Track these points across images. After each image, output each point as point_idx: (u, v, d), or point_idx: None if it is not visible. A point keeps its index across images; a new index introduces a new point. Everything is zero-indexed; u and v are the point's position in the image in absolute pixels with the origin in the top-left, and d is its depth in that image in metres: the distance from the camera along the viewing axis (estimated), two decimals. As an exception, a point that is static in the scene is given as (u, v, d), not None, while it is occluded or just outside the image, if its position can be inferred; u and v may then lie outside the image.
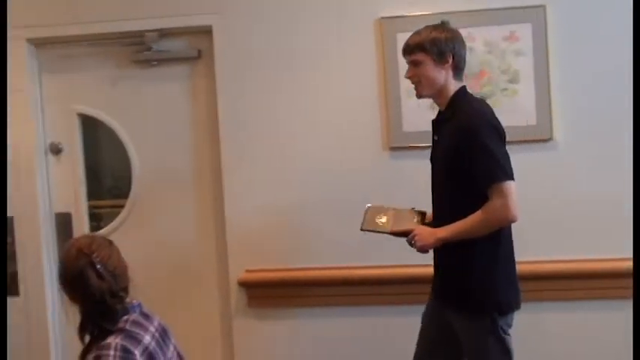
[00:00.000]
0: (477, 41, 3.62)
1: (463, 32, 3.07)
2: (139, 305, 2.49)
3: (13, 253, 4.06)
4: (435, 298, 3.11)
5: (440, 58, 2.96)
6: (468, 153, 2.85)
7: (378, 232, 3.11)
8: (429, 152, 3.12)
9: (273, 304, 3.88)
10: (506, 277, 2.96)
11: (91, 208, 4.19)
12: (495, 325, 2.89)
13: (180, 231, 4.02)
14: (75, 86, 4.05)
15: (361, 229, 3.12)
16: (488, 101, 3.24)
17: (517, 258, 3.00)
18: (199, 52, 3.94)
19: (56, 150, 4.07)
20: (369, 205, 3.18)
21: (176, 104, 3.99)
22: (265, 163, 3.83)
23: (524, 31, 3.60)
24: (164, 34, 3.90)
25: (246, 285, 3.87)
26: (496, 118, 2.93)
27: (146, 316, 2.49)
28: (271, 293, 3.87)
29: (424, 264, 3.14)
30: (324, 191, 3.77)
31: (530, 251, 3.49)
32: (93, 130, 4.15)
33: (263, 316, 3.89)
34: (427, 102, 3.31)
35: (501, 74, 3.62)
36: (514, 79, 3.62)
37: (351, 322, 3.80)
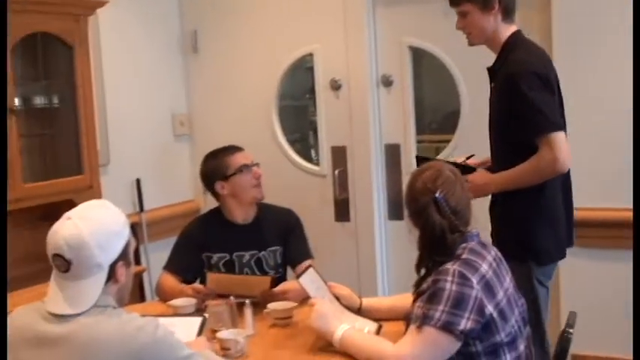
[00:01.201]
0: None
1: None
2: (477, 234, 2.34)
3: (345, 180, 4.08)
4: None
5: (485, 5, 2.81)
6: (509, 105, 2.75)
7: None
8: None
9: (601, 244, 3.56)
10: (548, 227, 2.81)
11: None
12: (531, 274, 2.77)
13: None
14: (407, 19, 3.98)
15: None
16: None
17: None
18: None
19: (387, 82, 4.02)
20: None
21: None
22: (602, 105, 3.49)
23: None
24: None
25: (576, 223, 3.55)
26: (543, 65, 2.79)
27: (483, 245, 2.36)
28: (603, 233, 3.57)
29: None
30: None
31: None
32: (421, 63, 4.02)
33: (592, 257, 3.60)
34: None
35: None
36: None
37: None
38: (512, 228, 2.68)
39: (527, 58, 2.80)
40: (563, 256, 2.90)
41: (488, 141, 2.93)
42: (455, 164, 2.80)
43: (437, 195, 2.28)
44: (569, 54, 3.55)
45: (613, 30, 3.48)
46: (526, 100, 2.71)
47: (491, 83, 2.94)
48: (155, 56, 4.23)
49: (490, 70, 2.94)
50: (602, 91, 3.55)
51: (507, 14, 2.84)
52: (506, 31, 2.85)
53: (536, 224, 2.82)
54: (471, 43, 2.97)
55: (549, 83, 2.78)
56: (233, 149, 3.18)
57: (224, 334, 2.43)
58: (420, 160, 3.03)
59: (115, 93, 3.89)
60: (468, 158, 3.05)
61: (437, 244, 2.26)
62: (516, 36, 2.86)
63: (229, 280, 2.91)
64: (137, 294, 3.67)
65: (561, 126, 2.75)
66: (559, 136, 2.72)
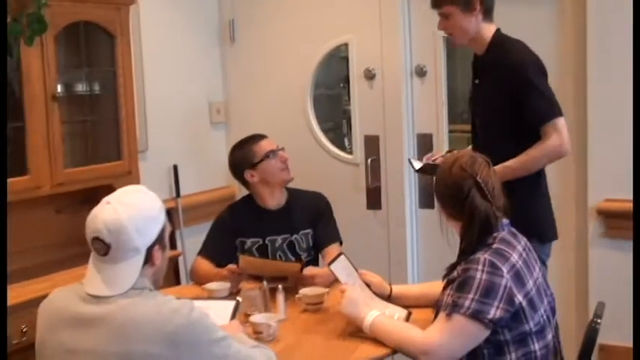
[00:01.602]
0: None
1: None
2: (508, 224, 2.32)
3: (377, 169, 4.07)
4: None
5: (467, 6, 2.84)
6: (516, 91, 2.79)
7: None
8: None
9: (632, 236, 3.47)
10: (547, 207, 2.98)
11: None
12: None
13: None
14: (441, 10, 3.87)
15: None
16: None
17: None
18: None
19: (421, 72, 4.00)
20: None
21: (541, 30, 3.67)
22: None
23: None
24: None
25: (604, 214, 3.51)
26: (537, 56, 2.86)
27: (514, 235, 2.34)
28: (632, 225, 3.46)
29: None
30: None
31: None
32: (454, 53, 3.98)
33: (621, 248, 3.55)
34: None
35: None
36: None
37: None
38: (516, 209, 2.66)
39: (526, 50, 2.87)
40: (557, 235, 3.00)
41: (473, 131, 3.02)
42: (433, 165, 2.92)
43: (478, 178, 2.26)
44: (601, 47, 3.50)
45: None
46: (534, 87, 2.79)
47: (475, 78, 2.99)
48: (193, 46, 4.24)
49: (478, 65, 2.98)
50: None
51: (488, 14, 2.92)
52: (489, 29, 2.91)
53: (539, 205, 2.94)
54: (453, 44, 3.05)
55: (546, 72, 2.88)
56: (258, 137, 3.20)
57: (257, 318, 2.44)
58: (410, 162, 3.17)
59: (154, 81, 3.91)
60: (449, 152, 3.07)
61: (483, 229, 2.24)
62: (500, 33, 2.93)
63: (261, 264, 2.93)
64: (172, 277, 3.69)
65: (562, 112, 2.84)
66: (562, 121, 2.82)
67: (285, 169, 3.15)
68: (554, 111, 2.82)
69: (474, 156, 2.34)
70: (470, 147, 3.16)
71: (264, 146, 3.15)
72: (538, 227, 2.86)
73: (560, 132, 2.80)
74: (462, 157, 2.35)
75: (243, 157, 3.15)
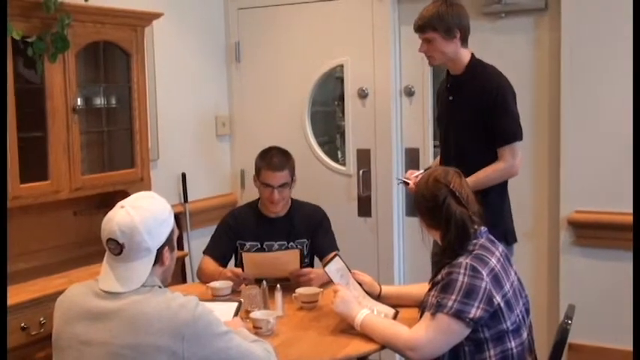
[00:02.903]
0: None
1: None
2: (486, 231, 2.32)
3: (368, 180, 4.06)
4: None
5: (448, 34, 2.88)
6: (492, 111, 2.84)
7: None
8: None
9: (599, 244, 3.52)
10: (510, 213, 3.02)
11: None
12: None
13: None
14: (428, 36, 3.87)
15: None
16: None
17: None
18: (546, 3, 3.56)
19: (409, 92, 3.99)
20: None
21: (519, 56, 3.67)
22: (604, 116, 3.43)
23: None
24: (514, -13, 3.64)
25: (574, 224, 3.51)
26: (509, 81, 2.92)
27: (492, 242, 2.34)
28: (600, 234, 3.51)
29: None
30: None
31: None
32: (440, 76, 3.96)
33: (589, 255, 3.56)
34: None
35: None
36: None
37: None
38: (487, 214, 2.66)
39: (500, 74, 2.93)
40: (517, 239, 3.03)
41: (446, 144, 3.04)
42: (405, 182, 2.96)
43: (452, 187, 2.26)
44: (576, 62, 3.50)
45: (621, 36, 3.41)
46: (505, 110, 2.86)
47: (449, 95, 3.01)
48: (201, 64, 4.23)
49: (452, 84, 3.00)
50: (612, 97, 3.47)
51: (464, 40, 2.95)
52: (466, 53, 2.97)
53: (505, 210, 2.99)
54: (431, 64, 3.08)
55: (516, 95, 2.93)
56: (272, 166, 3.08)
57: (256, 314, 2.43)
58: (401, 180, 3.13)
59: (165, 96, 3.90)
60: (426, 170, 3.05)
61: (461, 235, 2.23)
62: (475, 57, 2.98)
63: (262, 258, 2.91)
64: (179, 276, 3.67)
65: (523, 136, 2.91)
66: (519, 145, 2.90)
67: (272, 204, 3.07)
68: (516, 135, 2.89)
69: (447, 169, 2.37)
70: (437, 159, 3.18)
71: (267, 177, 3.05)
72: (504, 229, 2.91)
73: (515, 155, 2.88)
74: (435, 171, 2.37)
75: (256, 166, 3.14)
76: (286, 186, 3.08)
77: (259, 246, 3.08)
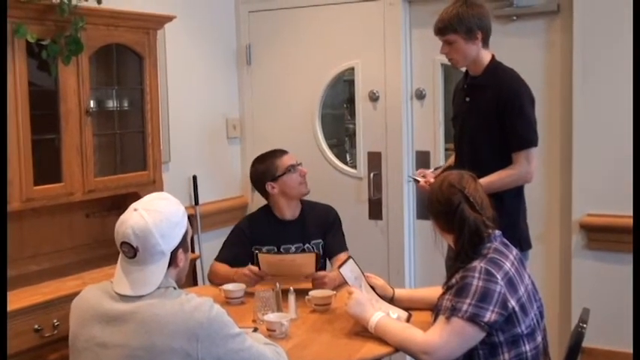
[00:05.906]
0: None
1: None
2: (500, 235, 2.30)
3: (379, 183, 4.05)
4: None
5: (469, 35, 2.84)
6: (509, 115, 2.79)
7: None
8: None
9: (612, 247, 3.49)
10: (525, 219, 2.96)
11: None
12: None
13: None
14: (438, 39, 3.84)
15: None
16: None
17: None
18: (558, 6, 3.53)
19: (420, 95, 3.97)
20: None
21: (530, 59, 3.64)
22: (616, 119, 3.40)
23: None
24: (526, -11, 3.63)
25: (586, 228, 3.49)
26: (528, 85, 2.87)
27: (506, 245, 2.32)
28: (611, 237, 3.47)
29: None
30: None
31: None
32: (451, 79, 3.96)
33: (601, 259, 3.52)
34: None
35: None
36: None
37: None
38: (501, 219, 2.63)
39: (520, 79, 2.89)
40: (531, 245, 2.98)
41: (460, 145, 3.00)
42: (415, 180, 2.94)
43: (466, 192, 2.24)
44: (588, 65, 3.48)
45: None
46: (523, 114, 2.81)
47: (466, 96, 2.96)
48: (213, 67, 4.23)
49: (470, 85, 2.96)
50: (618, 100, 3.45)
51: (486, 41, 2.90)
52: (487, 54, 2.92)
53: (521, 216, 2.93)
54: (454, 66, 3.03)
55: (534, 101, 2.89)
56: (280, 152, 3.17)
57: (270, 317, 2.41)
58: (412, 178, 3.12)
59: (177, 99, 3.90)
60: (436, 169, 3.04)
61: (474, 240, 2.22)
62: (496, 59, 2.94)
63: (279, 260, 2.89)
64: (190, 278, 3.66)
65: (538, 142, 2.87)
66: (535, 151, 2.85)
67: (304, 183, 3.13)
68: (533, 140, 2.84)
69: (461, 173, 2.34)
70: (451, 159, 3.14)
71: (286, 161, 3.12)
72: (519, 235, 2.85)
73: (530, 161, 2.82)
74: (450, 175, 2.34)
75: (265, 170, 3.12)
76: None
77: (276, 250, 3.07)
